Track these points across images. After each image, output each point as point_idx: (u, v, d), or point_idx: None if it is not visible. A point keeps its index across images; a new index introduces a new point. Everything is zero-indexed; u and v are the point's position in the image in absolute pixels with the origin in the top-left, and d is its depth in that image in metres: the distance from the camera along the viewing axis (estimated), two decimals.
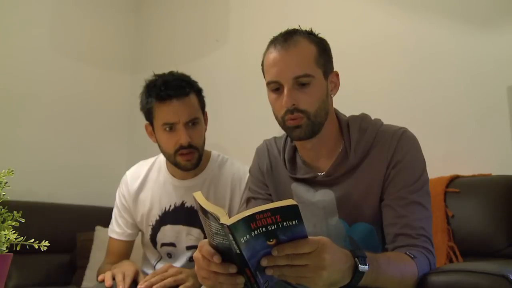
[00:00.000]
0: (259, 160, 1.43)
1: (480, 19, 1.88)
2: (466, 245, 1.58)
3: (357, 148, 1.25)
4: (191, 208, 1.67)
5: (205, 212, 0.91)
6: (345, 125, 1.30)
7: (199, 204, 0.93)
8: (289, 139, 1.36)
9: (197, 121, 1.61)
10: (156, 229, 1.71)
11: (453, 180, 1.69)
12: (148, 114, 1.63)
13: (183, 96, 1.58)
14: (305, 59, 1.22)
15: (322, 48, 1.26)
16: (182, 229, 1.68)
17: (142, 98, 1.64)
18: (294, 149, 1.36)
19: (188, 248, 1.68)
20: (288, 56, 1.22)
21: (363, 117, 1.32)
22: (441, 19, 1.97)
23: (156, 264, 1.75)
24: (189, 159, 1.59)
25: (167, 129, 1.58)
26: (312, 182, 1.30)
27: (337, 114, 1.33)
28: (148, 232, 1.72)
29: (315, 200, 1.28)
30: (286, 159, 1.35)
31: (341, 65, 1.35)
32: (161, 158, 1.75)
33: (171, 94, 1.57)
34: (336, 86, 1.30)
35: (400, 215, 1.17)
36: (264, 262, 0.90)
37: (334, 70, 1.30)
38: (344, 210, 1.25)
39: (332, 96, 1.29)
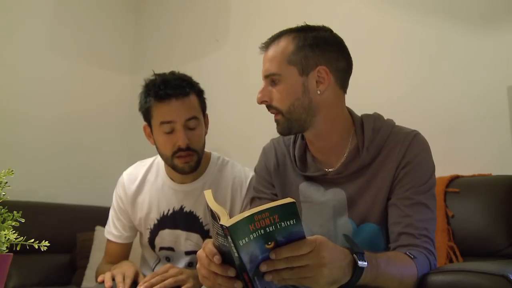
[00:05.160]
0: (266, 159, 1.42)
1: (480, 19, 1.88)
2: (466, 245, 1.59)
3: (370, 147, 1.25)
4: (190, 213, 1.63)
5: (212, 211, 0.91)
6: (358, 123, 1.29)
7: (206, 202, 0.93)
8: (299, 136, 1.36)
9: (196, 121, 1.55)
10: (154, 233, 1.67)
11: (453, 180, 1.69)
12: (146, 114, 1.58)
13: (182, 96, 1.53)
14: (275, 58, 1.25)
15: (307, 44, 1.23)
16: (180, 234, 1.64)
17: (141, 98, 1.59)
18: (305, 147, 1.35)
19: (187, 253, 1.65)
20: (266, 55, 1.28)
21: (377, 117, 1.31)
22: (441, 19, 1.97)
23: (154, 266, 1.73)
24: (187, 161, 1.54)
25: (166, 130, 1.53)
26: (322, 180, 1.29)
27: (350, 111, 1.32)
28: (146, 235, 1.69)
29: (324, 199, 1.28)
30: (296, 155, 1.34)
31: None
32: (159, 160, 1.69)
33: (170, 93, 1.51)
34: (324, 81, 1.23)
35: (405, 214, 1.17)
36: (263, 268, 0.89)
37: (323, 65, 1.23)
38: (354, 209, 1.25)
39: (319, 92, 1.23)
